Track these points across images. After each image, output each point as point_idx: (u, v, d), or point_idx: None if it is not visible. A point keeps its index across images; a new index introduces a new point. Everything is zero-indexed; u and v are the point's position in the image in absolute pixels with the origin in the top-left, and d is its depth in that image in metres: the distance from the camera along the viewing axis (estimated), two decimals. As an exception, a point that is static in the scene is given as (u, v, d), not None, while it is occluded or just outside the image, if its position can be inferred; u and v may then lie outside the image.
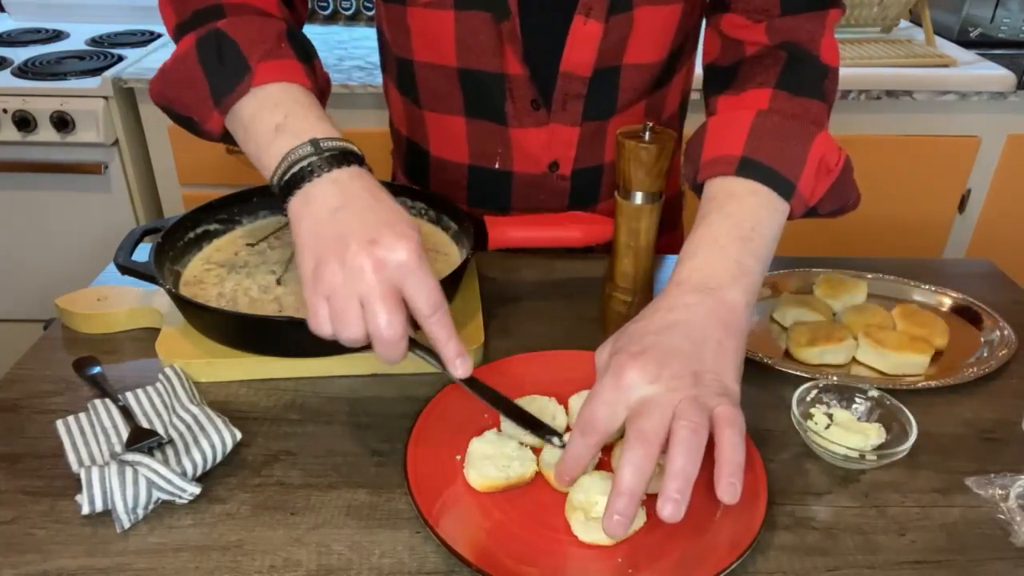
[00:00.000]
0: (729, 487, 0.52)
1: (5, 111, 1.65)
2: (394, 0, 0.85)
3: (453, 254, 0.89)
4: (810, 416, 0.69)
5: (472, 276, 0.88)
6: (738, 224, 0.65)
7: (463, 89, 0.87)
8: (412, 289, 0.56)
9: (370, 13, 2.05)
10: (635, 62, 0.86)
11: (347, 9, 2.07)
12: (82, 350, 0.80)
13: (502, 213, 0.95)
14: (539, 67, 0.84)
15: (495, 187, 0.94)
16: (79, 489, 0.59)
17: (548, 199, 0.95)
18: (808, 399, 0.70)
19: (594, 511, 0.59)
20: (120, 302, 0.83)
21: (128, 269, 0.78)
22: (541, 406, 0.70)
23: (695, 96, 0.99)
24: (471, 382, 0.62)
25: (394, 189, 0.96)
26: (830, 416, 0.70)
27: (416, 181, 1.01)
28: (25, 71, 1.74)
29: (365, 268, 0.55)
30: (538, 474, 0.64)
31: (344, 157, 0.60)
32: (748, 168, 0.67)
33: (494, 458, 0.63)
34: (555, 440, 0.63)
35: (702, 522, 0.59)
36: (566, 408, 0.70)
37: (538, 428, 0.64)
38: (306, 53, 0.70)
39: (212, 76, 0.65)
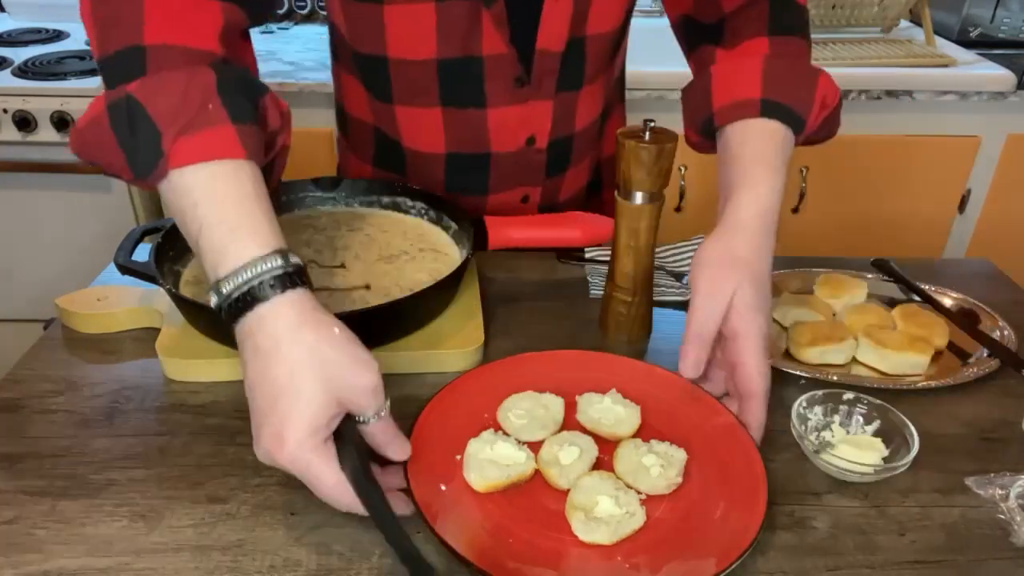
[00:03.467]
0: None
1: (5, 111, 1.65)
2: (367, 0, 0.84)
3: (453, 254, 0.89)
4: (821, 439, 0.69)
5: (472, 276, 0.88)
6: (771, 162, 0.73)
7: (440, 80, 0.88)
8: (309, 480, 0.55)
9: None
10: (597, 32, 0.89)
11: (324, 8, 2.07)
12: (82, 350, 0.80)
13: (480, 195, 0.97)
14: (522, 45, 0.86)
15: (474, 170, 0.95)
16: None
17: (526, 173, 0.96)
18: (810, 417, 0.70)
19: (595, 511, 0.59)
20: (120, 302, 0.83)
21: (128, 269, 0.78)
22: (546, 403, 0.70)
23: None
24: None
25: (393, 188, 0.96)
26: (832, 430, 0.70)
27: (390, 170, 1.00)
28: (25, 71, 1.74)
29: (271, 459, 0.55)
30: (537, 473, 0.64)
31: (245, 301, 0.54)
32: (771, 109, 0.74)
33: (493, 458, 0.63)
34: None
35: (701, 523, 0.60)
36: (574, 407, 0.70)
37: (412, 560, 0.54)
38: (246, 100, 0.60)
39: (127, 150, 0.58)
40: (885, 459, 0.66)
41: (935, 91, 1.69)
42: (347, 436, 0.56)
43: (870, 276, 0.93)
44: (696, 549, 0.57)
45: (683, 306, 0.89)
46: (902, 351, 0.78)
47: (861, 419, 0.70)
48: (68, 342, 0.81)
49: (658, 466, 0.62)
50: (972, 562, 0.59)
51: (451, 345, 0.78)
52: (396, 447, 0.60)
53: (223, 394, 0.73)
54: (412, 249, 0.89)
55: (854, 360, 0.80)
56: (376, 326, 0.76)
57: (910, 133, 1.74)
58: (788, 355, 0.81)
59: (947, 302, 0.89)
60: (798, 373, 0.77)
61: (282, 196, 0.96)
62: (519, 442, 0.65)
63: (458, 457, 0.64)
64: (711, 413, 0.69)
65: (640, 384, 0.72)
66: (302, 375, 0.53)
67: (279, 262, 0.55)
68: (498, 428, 0.68)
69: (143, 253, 0.80)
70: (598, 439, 0.66)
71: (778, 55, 0.78)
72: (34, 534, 0.59)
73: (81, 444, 0.68)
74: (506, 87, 0.88)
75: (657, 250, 0.83)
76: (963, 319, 0.86)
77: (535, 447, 0.65)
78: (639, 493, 0.61)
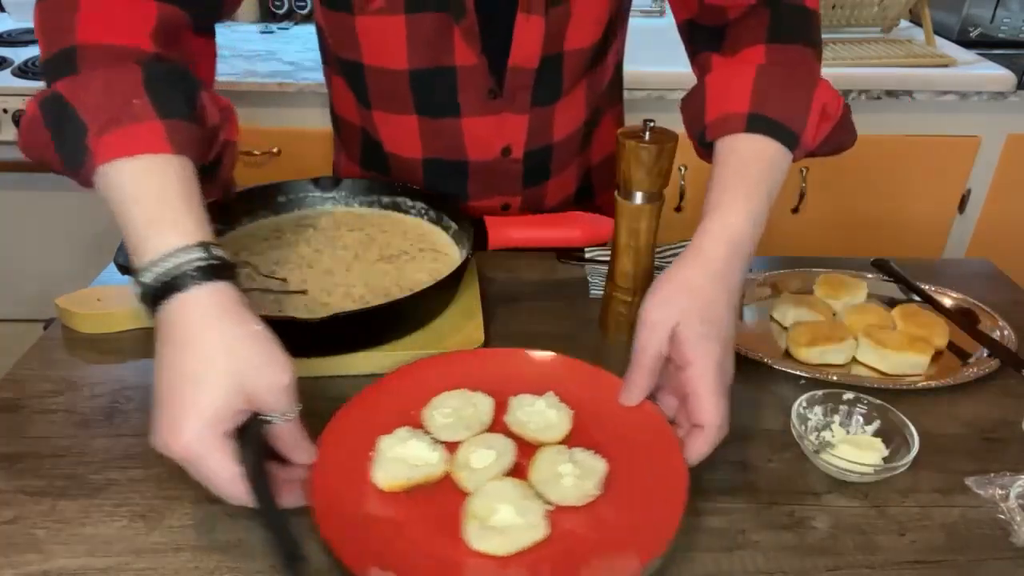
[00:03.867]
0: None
1: (5, 111, 1.65)
2: (340, 8, 0.84)
3: (453, 254, 0.89)
4: (821, 439, 0.69)
5: (472, 276, 0.88)
6: (749, 185, 0.69)
7: (413, 90, 0.88)
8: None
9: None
10: (575, 48, 0.88)
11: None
12: (82, 350, 0.80)
13: (461, 202, 0.97)
14: (492, 57, 0.85)
15: (452, 176, 0.96)
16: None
17: (503, 183, 0.96)
18: (810, 417, 0.70)
19: (492, 519, 0.56)
20: (120, 302, 0.83)
21: (128, 269, 0.78)
22: (476, 403, 0.68)
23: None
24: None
25: (393, 188, 0.96)
26: (832, 430, 0.70)
27: (375, 170, 1.01)
28: (25, 71, 1.74)
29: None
30: (448, 476, 0.61)
31: (164, 290, 0.54)
32: (756, 124, 0.70)
33: (403, 457, 0.61)
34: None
35: (610, 539, 0.56)
36: (504, 407, 0.67)
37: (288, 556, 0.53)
38: (179, 94, 0.61)
39: (60, 147, 0.59)
40: (885, 459, 0.66)
41: (935, 91, 1.69)
42: (251, 433, 0.55)
43: (870, 276, 0.93)
44: (599, 567, 0.54)
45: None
46: (902, 351, 0.78)
47: (861, 419, 0.70)
48: (68, 342, 0.81)
49: (573, 476, 0.59)
50: (972, 562, 0.59)
51: (451, 345, 0.78)
52: (302, 451, 0.59)
53: (223, 394, 0.73)
54: (412, 249, 0.89)
55: (854, 360, 0.80)
56: (376, 326, 0.76)
57: (910, 133, 1.74)
58: (788, 355, 0.81)
59: (947, 302, 0.89)
60: (798, 373, 0.77)
61: (281, 196, 0.96)
62: (437, 442, 0.63)
63: (371, 454, 0.62)
64: (651, 424, 0.65)
65: (584, 388, 0.69)
66: (213, 365, 0.53)
67: (200, 253, 0.55)
68: (419, 426, 0.66)
69: (143, 253, 0.80)
70: (523, 443, 0.64)
71: (774, 63, 0.73)
72: (34, 534, 0.59)
73: (81, 444, 0.68)
74: (479, 98, 0.88)
75: (657, 250, 0.83)
76: (963, 319, 0.86)
77: (456, 448, 0.63)
78: (548, 504, 0.58)
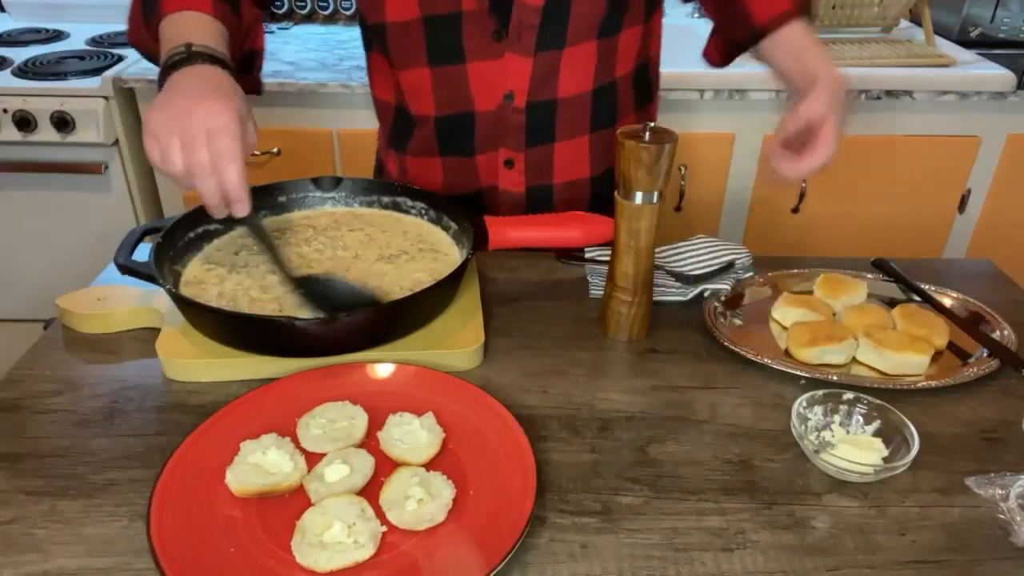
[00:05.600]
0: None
1: (5, 111, 1.65)
2: None
3: (453, 254, 0.89)
4: (821, 439, 0.69)
5: (472, 276, 0.88)
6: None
7: (426, 38, 0.93)
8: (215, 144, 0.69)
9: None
10: None
11: (347, 9, 2.07)
12: (82, 350, 0.80)
13: (468, 157, 1.01)
14: (500, 2, 0.90)
15: (460, 132, 0.99)
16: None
17: (507, 134, 0.98)
18: (810, 417, 0.70)
19: (324, 535, 0.56)
20: (120, 302, 0.83)
21: (128, 269, 0.78)
22: (353, 416, 0.68)
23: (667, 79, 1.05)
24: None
25: (393, 188, 0.96)
26: (832, 430, 0.70)
27: (397, 148, 1.05)
28: (25, 71, 1.74)
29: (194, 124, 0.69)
30: (301, 488, 0.62)
31: (202, 56, 0.74)
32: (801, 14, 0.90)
33: (260, 463, 0.62)
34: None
35: (441, 565, 0.56)
36: (379, 424, 0.67)
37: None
38: None
39: (144, 9, 0.83)
40: (885, 459, 0.66)
41: (935, 91, 1.69)
42: None
43: (870, 276, 0.93)
44: None
45: (683, 306, 0.89)
46: (902, 351, 0.78)
47: (861, 419, 0.70)
48: (68, 342, 0.81)
49: (418, 500, 0.59)
50: (972, 562, 0.59)
51: (451, 345, 0.78)
52: (244, 204, 0.72)
53: (223, 394, 0.73)
54: (412, 249, 0.89)
55: (854, 360, 0.80)
56: (376, 326, 0.76)
57: (910, 133, 1.74)
58: (788, 355, 0.81)
59: (947, 302, 0.89)
60: (798, 373, 0.77)
61: (282, 196, 0.96)
62: (302, 451, 0.64)
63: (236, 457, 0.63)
64: (519, 456, 0.64)
65: (469, 412, 0.69)
66: (226, 83, 0.73)
67: (198, 49, 0.74)
68: (294, 434, 0.66)
69: (143, 253, 0.80)
70: (389, 462, 0.64)
71: None
72: (34, 534, 0.59)
73: (81, 444, 0.68)
74: (484, 41, 0.92)
75: (657, 250, 0.83)
76: (964, 319, 0.86)
77: (319, 459, 0.64)
78: (383, 525, 0.58)
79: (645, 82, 1.04)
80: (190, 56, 0.74)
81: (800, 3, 0.88)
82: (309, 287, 0.79)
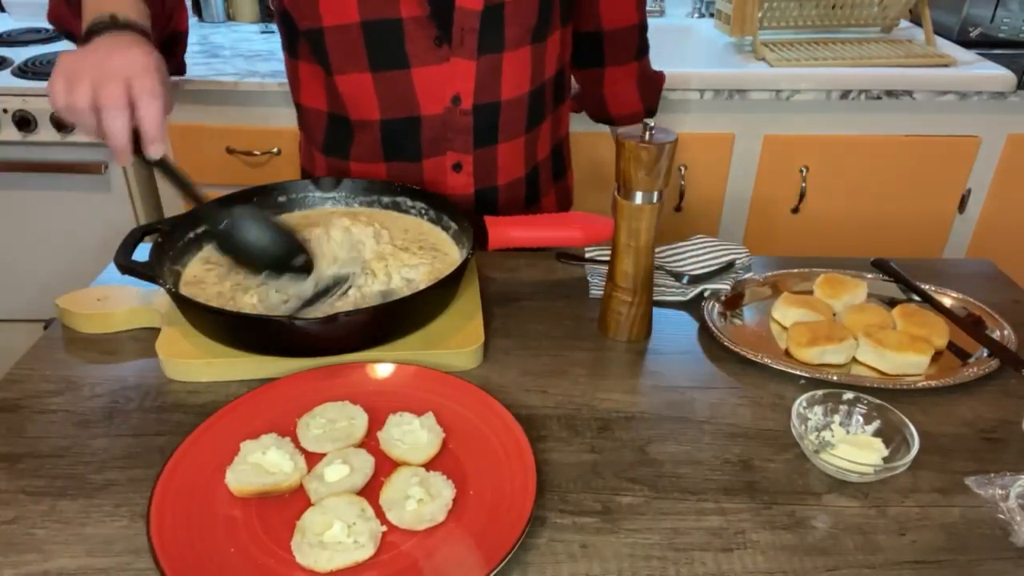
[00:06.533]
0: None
1: (5, 111, 1.65)
2: None
3: (453, 254, 0.89)
4: (821, 439, 0.69)
5: (472, 276, 0.88)
6: None
7: (366, 43, 0.94)
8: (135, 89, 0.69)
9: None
10: None
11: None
12: (82, 350, 0.80)
13: (415, 162, 1.02)
14: (438, 6, 0.92)
15: (406, 135, 1.00)
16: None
17: (455, 137, 1.00)
18: (810, 417, 0.70)
19: (324, 535, 0.56)
20: (120, 302, 0.83)
21: (128, 269, 0.78)
22: (353, 416, 0.68)
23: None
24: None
25: (393, 188, 0.96)
26: (832, 430, 0.70)
27: (337, 154, 1.05)
28: (25, 71, 1.74)
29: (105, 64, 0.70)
30: (301, 488, 0.62)
31: (127, 26, 0.75)
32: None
33: (260, 463, 0.62)
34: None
35: (440, 566, 0.56)
36: (379, 424, 0.67)
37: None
38: None
39: None
40: (885, 459, 0.66)
41: (935, 91, 1.69)
42: None
43: (870, 276, 0.93)
44: None
45: (683, 306, 0.89)
46: (902, 351, 0.78)
47: (861, 419, 0.70)
48: (68, 342, 0.81)
49: (418, 500, 0.59)
50: (972, 562, 0.59)
51: (451, 345, 0.78)
52: (159, 145, 0.71)
53: (223, 394, 0.73)
54: (412, 249, 0.89)
55: (854, 360, 0.80)
56: (376, 326, 0.76)
57: (910, 133, 1.74)
58: (788, 355, 0.81)
59: (947, 302, 0.89)
60: (798, 373, 0.77)
61: (282, 196, 0.96)
62: (302, 451, 0.64)
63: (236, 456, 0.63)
64: (519, 456, 0.64)
65: (469, 412, 0.69)
66: (131, 45, 0.72)
67: (108, 19, 0.74)
68: (294, 433, 0.66)
69: (143, 253, 0.80)
70: (389, 461, 0.65)
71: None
72: (34, 534, 0.59)
73: (80, 444, 0.68)
74: (426, 47, 0.93)
75: (657, 250, 0.83)
76: (964, 319, 0.86)
77: (319, 459, 0.64)
78: (383, 525, 0.58)
79: (562, 83, 1.10)
80: (114, 24, 0.74)
81: (649, 107, 1.18)
82: (229, 228, 0.78)
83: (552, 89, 1.07)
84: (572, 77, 1.17)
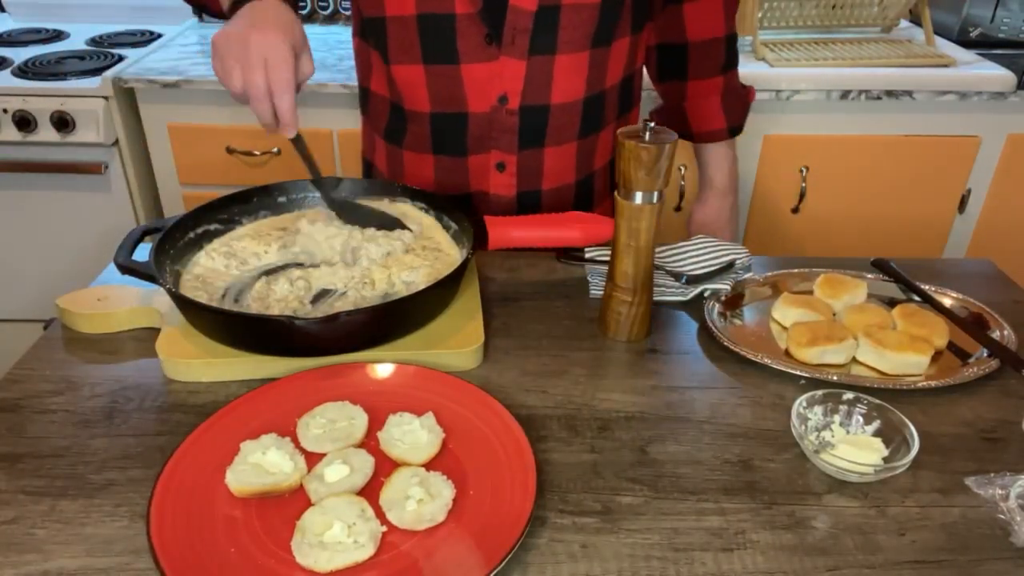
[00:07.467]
0: None
1: (5, 111, 1.65)
2: None
3: (453, 254, 0.89)
4: (821, 439, 0.69)
5: (472, 276, 0.88)
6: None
7: (420, 36, 0.95)
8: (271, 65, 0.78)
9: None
10: (572, 2, 0.92)
11: (347, 9, 2.07)
12: (82, 350, 0.80)
13: (461, 156, 1.02)
14: (491, 4, 0.92)
15: (453, 130, 1.00)
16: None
17: (501, 138, 0.99)
18: (810, 417, 0.70)
19: (325, 535, 0.56)
20: (120, 302, 0.83)
21: (128, 269, 0.78)
22: (352, 416, 0.68)
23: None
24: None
25: (393, 188, 0.96)
26: (832, 430, 0.70)
27: (395, 142, 1.06)
28: (25, 71, 1.74)
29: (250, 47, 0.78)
30: (301, 488, 0.62)
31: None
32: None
33: (260, 463, 0.62)
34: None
35: (441, 566, 0.56)
36: (379, 424, 0.67)
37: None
38: None
39: None
40: (885, 459, 0.66)
41: (935, 91, 1.69)
42: None
43: (870, 276, 0.93)
44: None
45: (683, 306, 0.89)
46: (902, 351, 0.78)
47: (861, 419, 0.70)
48: (68, 342, 0.81)
49: (418, 500, 0.59)
50: (972, 562, 0.59)
51: (451, 345, 0.78)
52: (292, 127, 0.81)
53: (223, 394, 0.73)
54: (416, 250, 0.89)
55: (854, 360, 0.80)
56: (376, 326, 0.76)
57: (910, 133, 1.74)
58: (788, 355, 0.81)
59: (947, 302, 0.89)
60: (798, 373, 0.77)
61: (282, 196, 0.96)
62: (302, 451, 0.64)
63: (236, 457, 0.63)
64: (519, 456, 0.64)
65: (469, 411, 0.69)
66: (280, 19, 0.81)
67: None
68: (294, 433, 0.66)
69: (143, 253, 0.80)
70: (389, 462, 0.65)
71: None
72: (34, 534, 0.59)
73: (80, 444, 0.68)
74: (477, 44, 0.93)
75: (657, 250, 0.83)
76: (964, 319, 0.86)
77: (319, 459, 0.64)
78: (383, 525, 0.58)
79: (629, 91, 1.07)
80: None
81: (732, 125, 1.10)
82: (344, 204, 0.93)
83: (617, 97, 1.04)
84: (654, 88, 1.13)
